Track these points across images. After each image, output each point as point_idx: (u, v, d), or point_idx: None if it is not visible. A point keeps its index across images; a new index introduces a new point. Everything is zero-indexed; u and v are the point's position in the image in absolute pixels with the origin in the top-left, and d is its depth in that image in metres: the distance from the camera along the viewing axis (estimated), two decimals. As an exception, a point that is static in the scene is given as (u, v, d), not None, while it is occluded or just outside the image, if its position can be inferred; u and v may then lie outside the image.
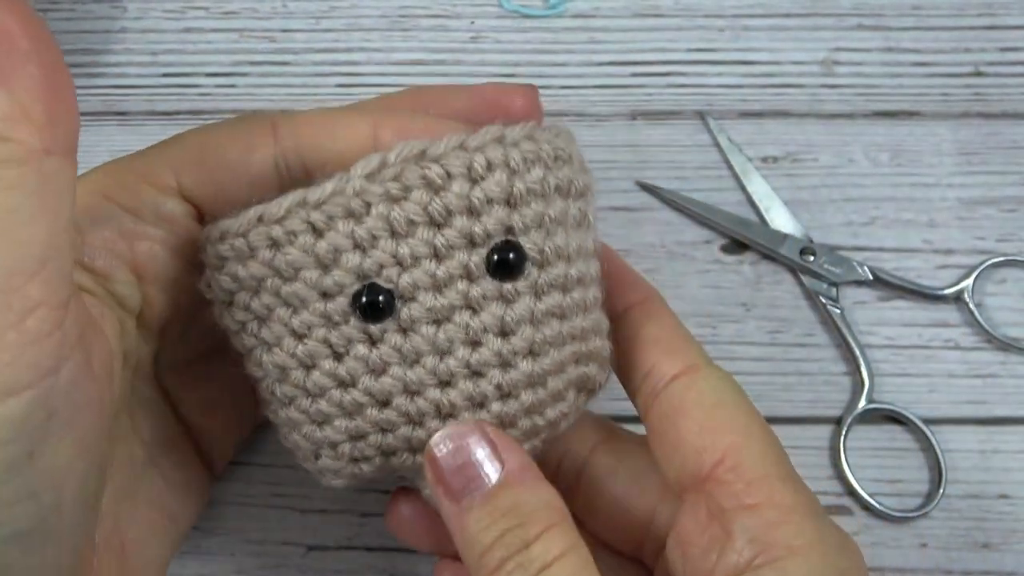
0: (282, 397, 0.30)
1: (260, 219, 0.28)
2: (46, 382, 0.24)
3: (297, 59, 0.48)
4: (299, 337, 0.28)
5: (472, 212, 0.28)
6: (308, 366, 0.29)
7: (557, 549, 0.26)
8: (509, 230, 0.28)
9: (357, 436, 0.29)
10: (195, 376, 0.35)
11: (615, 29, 0.49)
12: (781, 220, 0.45)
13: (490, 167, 0.28)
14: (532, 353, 0.28)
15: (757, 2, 0.49)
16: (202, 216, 0.31)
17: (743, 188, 0.45)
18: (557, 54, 0.48)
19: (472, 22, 0.49)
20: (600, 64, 0.48)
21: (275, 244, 0.28)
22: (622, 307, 0.33)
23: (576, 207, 0.30)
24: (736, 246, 0.45)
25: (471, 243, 0.28)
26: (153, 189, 0.31)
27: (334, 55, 0.48)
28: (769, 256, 0.44)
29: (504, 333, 0.28)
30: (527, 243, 0.28)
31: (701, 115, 0.47)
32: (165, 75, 0.48)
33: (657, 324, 0.32)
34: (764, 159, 0.46)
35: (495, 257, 0.28)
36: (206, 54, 0.49)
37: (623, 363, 0.32)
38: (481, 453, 0.28)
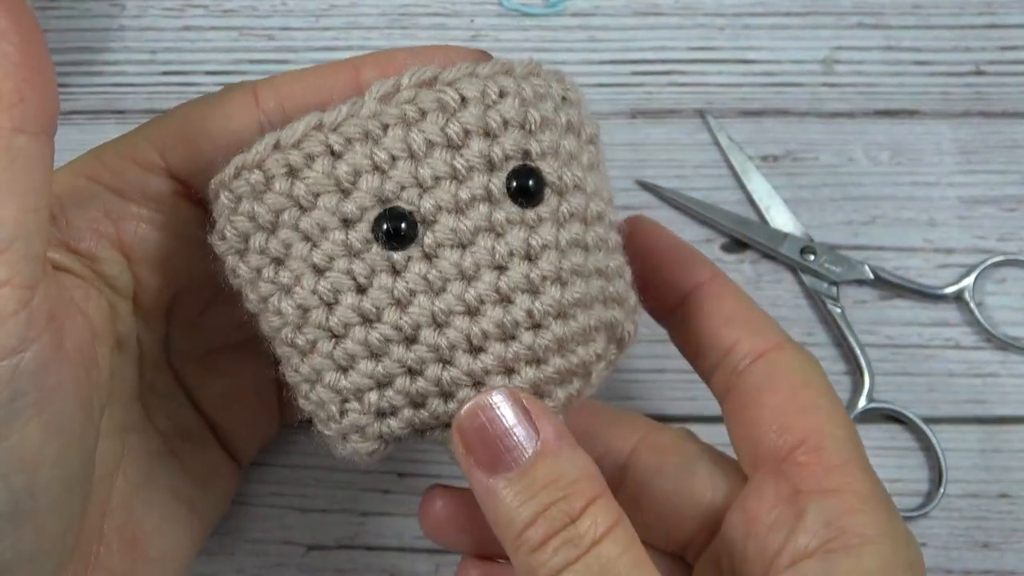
0: (304, 344, 0.28)
1: (276, 145, 0.28)
2: (9, 361, 0.24)
3: (296, 58, 0.48)
4: (319, 272, 0.28)
5: (489, 134, 0.27)
6: (330, 303, 0.28)
7: (605, 523, 0.25)
8: (527, 154, 0.28)
9: (384, 381, 0.28)
10: (212, 369, 0.35)
11: (615, 27, 0.49)
12: (781, 219, 0.44)
13: (503, 94, 0.28)
14: (560, 280, 0.28)
15: (757, 0, 0.49)
16: (190, 194, 0.31)
17: (743, 187, 0.45)
18: (557, 52, 0.48)
19: (472, 20, 0.49)
20: (600, 63, 0.48)
21: (292, 171, 0.27)
22: (691, 284, 0.32)
23: (588, 150, 0.30)
24: (736, 245, 0.45)
25: (490, 165, 0.27)
26: (138, 168, 0.30)
27: (334, 54, 0.48)
28: (769, 255, 0.44)
29: (530, 257, 0.27)
30: (546, 168, 0.28)
31: (701, 114, 0.47)
32: (164, 73, 0.48)
33: (733, 301, 0.32)
34: (764, 158, 0.46)
35: (514, 182, 0.28)
36: (205, 52, 0.48)
37: (697, 341, 0.32)
38: (514, 421, 0.26)
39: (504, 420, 0.27)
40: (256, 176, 0.28)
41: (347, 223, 0.27)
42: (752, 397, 0.30)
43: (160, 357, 0.34)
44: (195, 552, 0.35)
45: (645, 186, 0.46)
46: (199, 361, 0.35)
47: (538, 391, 0.28)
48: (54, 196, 0.29)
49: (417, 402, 0.28)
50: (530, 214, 0.28)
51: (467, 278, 0.27)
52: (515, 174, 0.28)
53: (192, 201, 0.31)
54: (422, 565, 0.40)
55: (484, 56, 0.30)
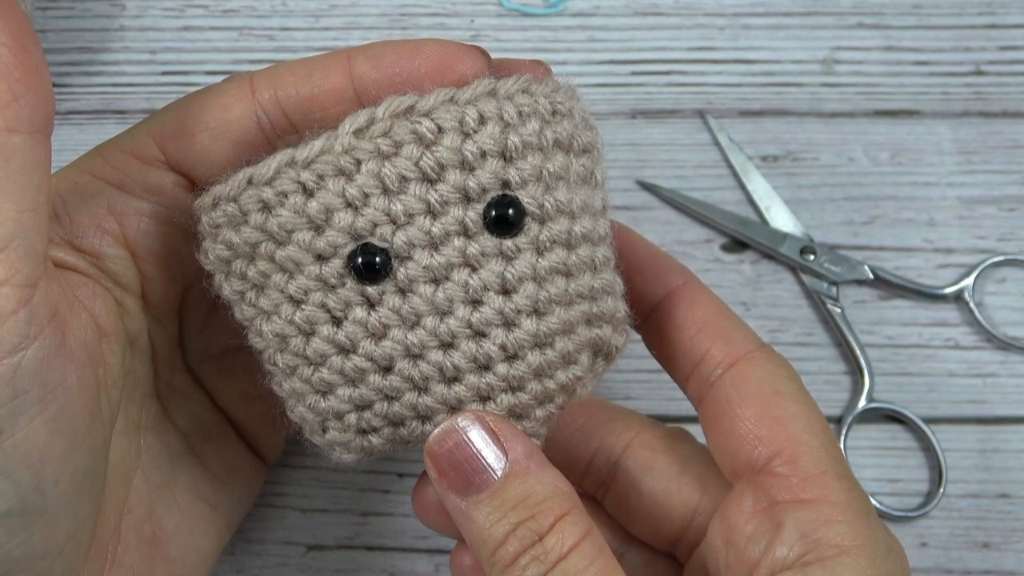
0: (284, 367, 0.29)
1: (250, 181, 0.28)
2: (11, 360, 0.24)
3: (296, 57, 0.48)
4: (296, 303, 0.28)
5: (465, 166, 0.27)
6: (307, 333, 0.28)
7: (572, 538, 0.26)
8: (505, 184, 0.27)
9: (362, 405, 0.28)
10: (229, 368, 0.35)
11: (615, 28, 0.49)
12: (781, 219, 0.44)
13: (482, 120, 0.27)
14: (536, 312, 0.27)
15: (757, 1, 0.49)
16: (193, 185, 0.31)
17: (743, 187, 0.45)
18: (557, 53, 0.48)
19: (472, 20, 0.49)
20: (600, 63, 0.48)
21: (266, 206, 0.27)
22: (662, 292, 0.32)
23: (579, 163, 0.29)
24: (736, 245, 0.45)
25: (466, 198, 0.27)
26: (138, 163, 0.30)
27: (333, 53, 0.48)
28: (769, 255, 0.44)
29: (506, 291, 0.27)
30: (525, 197, 0.27)
31: (701, 114, 0.47)
32: (164, 73, 0.48)
33: (703, 308, 0.32)
34: (764, 158, 0.46)
35: (492, 212, 0.27)
36: (205, 52, 0.48)
37: (671, 350, 0.32)
38: (483, 444, 0.27)
39: (472, 444, 0.27)
40: (232, 208, 0.28)
41: (321, 258, 0.27)
42: (725, 408, 0.30)
43: (176, 355, 0.34)
44: (219, 550, 0.35)
45: (645, 186, 0.46)
46: (216, 360, 0.35)
47: (516, 413, 0.28)
48: (57, 194, 0.30)
49: (396, 422, 0.29)
50: (508, 244, 0.27)
51: (440, 313, 0.27)
52: (493, 205, 0.27)
53: (194, 193, 0.31)
54: (422, 565, 0.40)
55: (478, 51, 0.30)
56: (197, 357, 0.34)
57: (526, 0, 0.49)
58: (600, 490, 0.34)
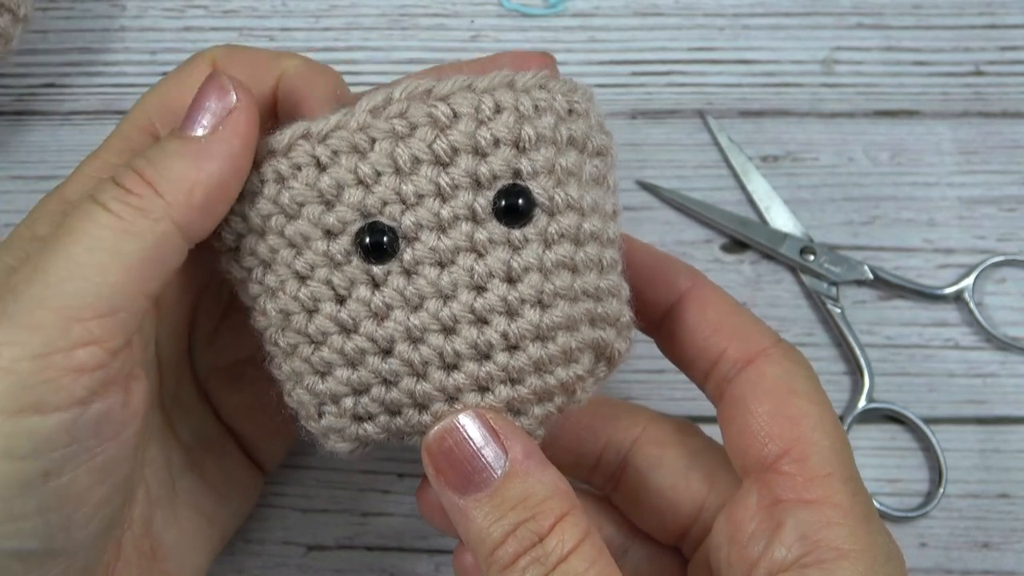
0: (285, 346, 0.29)
1: (270, 150, 0.28)
2: (75, 410, 0.25)
3: (296, 58, 0.48)
4: (302, 279, 0.28)
5: (478, 152, 0.27)
6: (310, 310, 0.28)
7: (572, 540, 0.26)
8: (517, 173, 0.27)
9: (360, 389, 0.28)
10: (235, 380, 0.35)
11: (615, 28, 0.49)
12: (781, 219, 0.44)
13: (498, 109, 0.28)
14: (540, 303, 0.28)
15: (757, 1, 0.49)
16: None
17: (743, 187, 0.45)
18: (557, 53, 0.48)
19: (472, 21, 0.49)
20: (600, 63, 0.48)
21: (280, 178, 0.28)
22: (673, 296, 0.32)
23: (592, 164, 0.29)
24: (736, 245, 0.45)
25: (477, 184, 0.27)
26: None
27: (334, 54, 0.48)
28: (769, 255, 0.44)
29: (511, 279, 0.27)
30: (536, 188, 0.27)
31: (701, 114, 0.47)
32: (164, 74, 0.48)
33: (715, 308, 0.32)
34: (764, 158, 0.46)
35: (502, 201, 0.27)
36: (205, 53, 0.48)
37: (686, 353, 0.32)
38: (483, 442, 0.27)
39: (472, 442, 0.27)
40: (254, 178, 0.28)
41: (329, 234, 0.28)
42: (740, 404, 0.30)
43: (184, 367, 0.34)
44: (211, 562, 0.35)
45: (645, 186, 0.46)
46: (225, 371, 0.35)
47: (513, 409, 0.28)
48: (71, 205, 0.29)
49: (393, 410, 0.29)
50: (516, 234, 0.27)
51: (444, 296, 0.27)
52: (503, 193, 0.27)
53: None
54: (422, 565, 0.40)
55: (546, 58, 0.30)
56: (205, 369, 0.34)
57: (526, 0, 0.49)
58: (609, 485, 0.34)
